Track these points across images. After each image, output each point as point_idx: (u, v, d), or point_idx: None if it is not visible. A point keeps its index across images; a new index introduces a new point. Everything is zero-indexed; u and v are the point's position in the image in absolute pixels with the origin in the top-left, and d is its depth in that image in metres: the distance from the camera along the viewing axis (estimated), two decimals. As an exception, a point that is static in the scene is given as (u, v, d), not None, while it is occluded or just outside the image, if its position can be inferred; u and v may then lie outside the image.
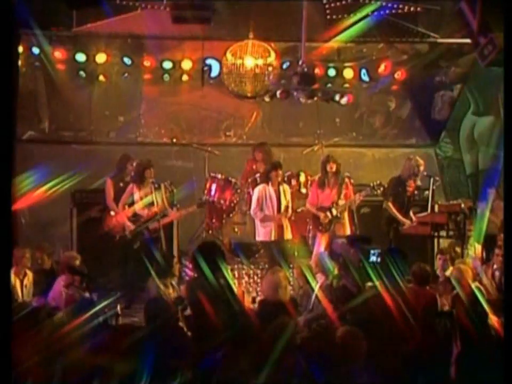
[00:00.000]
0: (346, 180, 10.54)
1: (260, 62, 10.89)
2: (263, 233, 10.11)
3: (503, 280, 8.31)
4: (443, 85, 12.59)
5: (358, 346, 5.57)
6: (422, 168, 10.51)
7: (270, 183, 10.13)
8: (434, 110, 12.86)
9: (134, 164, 10.33)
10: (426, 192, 10.68)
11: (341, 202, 10.38)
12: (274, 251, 10.01)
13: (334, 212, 10.33)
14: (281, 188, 10.21)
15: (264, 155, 11.19)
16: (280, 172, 10.21)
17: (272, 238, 10.09)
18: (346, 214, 10.47)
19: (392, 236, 10.70)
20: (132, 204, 10.13)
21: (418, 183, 10.51)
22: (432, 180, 10.45)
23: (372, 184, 10.47)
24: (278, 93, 11.68)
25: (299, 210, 11.00)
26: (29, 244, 9.49)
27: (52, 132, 12.59)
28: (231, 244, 10.95)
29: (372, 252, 8.20)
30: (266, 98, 11.87)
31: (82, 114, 12.48)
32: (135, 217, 10.11)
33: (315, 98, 11.56)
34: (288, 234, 10.21)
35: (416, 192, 10.63)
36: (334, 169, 10.38)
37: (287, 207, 10.21)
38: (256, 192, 10.17)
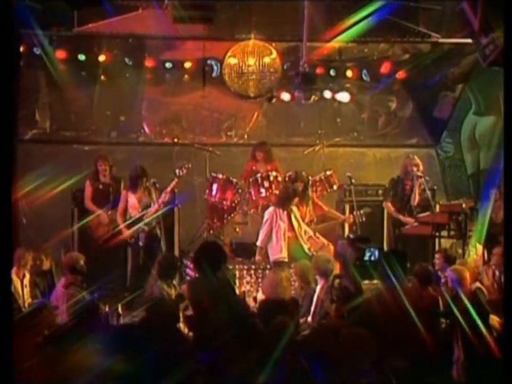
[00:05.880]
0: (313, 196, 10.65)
1: (261, 62, 10.89)
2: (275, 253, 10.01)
3: (503, 280, 8.33)
4: (444, 85, 12.58)
5: (363, 348, 5.57)
6: (415, 168, 10.54)
7: (281, 209, 10.05)
8: (435, 110, 12.85)
9: (100, 165, 10.66)
10: (428, 192, 10.69)
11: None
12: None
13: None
14: (292, 212, 10.15)
15: (265, 154, 11.19)
16: (296, 200, 10.17)
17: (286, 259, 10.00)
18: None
19: (394, 236, 10.75)
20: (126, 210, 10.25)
21: (415, 182, 10.52)
22: (422, 180, 10.47)
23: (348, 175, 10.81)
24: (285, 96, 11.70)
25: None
26: (30, 244, 9.50)
27: (53, 132, 12.58)
28: (232, 244, 10.93)
29: (368, 250, 8.22)
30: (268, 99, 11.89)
31: (83, 114, 12.47)
32: (132, 222, 10.17)
33: (315, 98, 11.56)
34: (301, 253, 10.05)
35: (418, 192, 10.61)
36: (301, 187, 10.47)
37: (299, 226, 10.18)
38: (267, 215, 10.05)
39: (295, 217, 10.17)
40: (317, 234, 10.42)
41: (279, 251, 9.97)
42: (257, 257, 10.15)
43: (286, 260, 9.93)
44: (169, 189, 10.39)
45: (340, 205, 11.42)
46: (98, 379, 5.26)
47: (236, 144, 12.86)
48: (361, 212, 10.78)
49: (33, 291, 8.91)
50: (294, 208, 10.23)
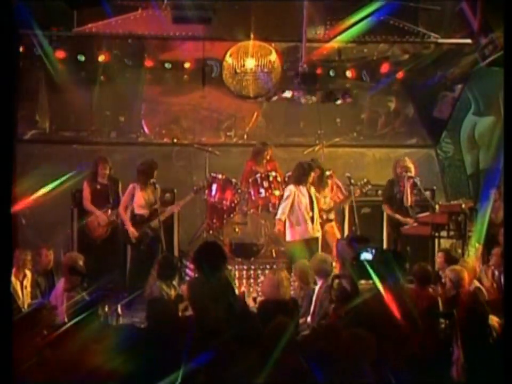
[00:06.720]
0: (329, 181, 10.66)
1: (261, 62, 10.88)
2: (297, 232, 9.99)
3: (502, 280, 8.33)
4: (444, 85, 12.59)
5: (363, 348, 5.57)
6: (400, 169, 10.62)
7: (301, 185, 10.05)
8: (435, 110, 12.87)
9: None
10: (425, 192, 10.72)
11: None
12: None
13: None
14: (311, 190, 10.16)
15: (272, 153, 11.22)
16: (313, 174, 10.18)
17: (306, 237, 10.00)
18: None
19: (393, 236, 10.76)
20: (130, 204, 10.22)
21: (406, 183, 10.57)
22: (416, 180, 10.52)
23: (359, 183, 10.66)
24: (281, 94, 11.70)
25: None
26: (29, 244, 9.49)
27: (53, 132, 12.59)
28: (231, 244, 10.93)
29: (364, 250, 8.22)
30: (267, 99, 11.89)
31: (83, 114, 12.48)
32: (136, 218, 10.16)
33: (315, 99, 11.57)
34: (315, 233, 10.10)
35: (414, 192, 10.64)
36: (317, 174, 10.46)
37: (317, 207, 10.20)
38: (288, 191, 10.04)
39: (316, 197, 10.18)
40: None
41: (305, 231, 9.95)
42: (277, 227, 10.05)
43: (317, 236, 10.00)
44: (182, 202, 10.47)
45: (339, 205, 11.42)
46: (98, 379, 5.26)
47: (235, 144, 12.88)
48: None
49: (34, 291, 8.91)
50: (313, 189, 10.22)
